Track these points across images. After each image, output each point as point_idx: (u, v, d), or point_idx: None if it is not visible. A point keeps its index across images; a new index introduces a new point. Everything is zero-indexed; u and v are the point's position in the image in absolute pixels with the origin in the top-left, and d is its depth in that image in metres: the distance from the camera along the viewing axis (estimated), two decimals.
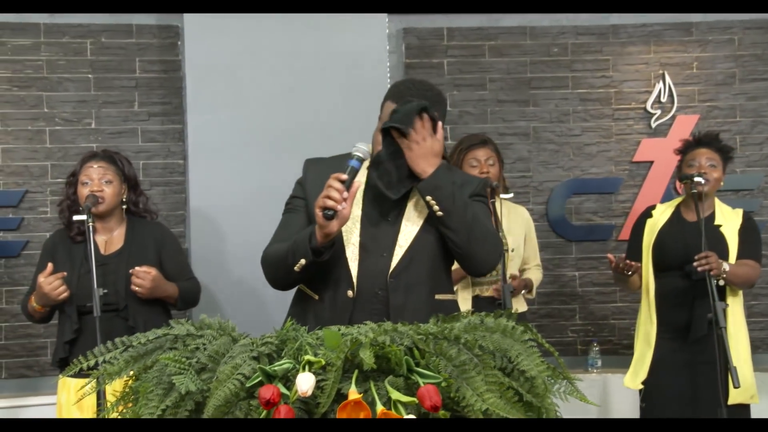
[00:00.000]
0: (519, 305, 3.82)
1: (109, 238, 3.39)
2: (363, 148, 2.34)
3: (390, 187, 2.37)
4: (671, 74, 4.84)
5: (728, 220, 3.58)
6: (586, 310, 4.80)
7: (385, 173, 2.37)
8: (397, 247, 2.40)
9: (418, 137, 2.34)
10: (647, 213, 3.76)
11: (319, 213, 2.23)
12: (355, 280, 2.37)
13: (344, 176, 2.26)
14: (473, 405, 1.60)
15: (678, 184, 3.77)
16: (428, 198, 2.34)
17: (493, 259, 2.43)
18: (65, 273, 3.20)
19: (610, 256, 3.65)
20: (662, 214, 3.70)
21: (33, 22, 4.50)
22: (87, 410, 3.18)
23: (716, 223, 3.61)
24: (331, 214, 2.22)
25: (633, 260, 3.60)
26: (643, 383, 3.57)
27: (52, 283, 3.14)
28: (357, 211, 2.41)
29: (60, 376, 1.95)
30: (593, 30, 4.85)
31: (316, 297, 2.43)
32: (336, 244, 2.35)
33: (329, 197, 2.22)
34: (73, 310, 3.25)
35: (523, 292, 3.85)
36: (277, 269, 2.42)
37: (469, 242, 2.36)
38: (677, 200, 3.77)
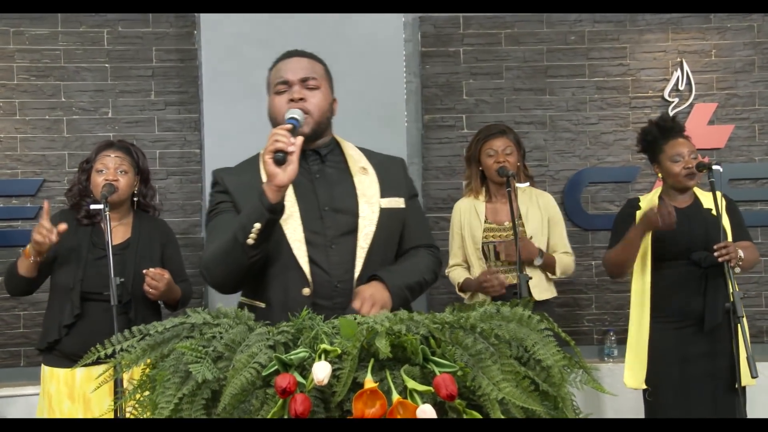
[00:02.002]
0: (542, 293, 3.76)
1: (116, 229, 3.34)
2: (296, 110, 2.31)
3: None
4: (689, 62, 4.80)
5: (712, 204, 3.53)
6: (602, 299, 4.79)
7: None
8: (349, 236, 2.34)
9: (367, 308, 2.23)
10: (635, 205, 3.68)
11: (269, 159, 2.14)
12: (309, 276, 2.29)
13: (283, 126, 2.20)
14: (489, 394, 1.60)
15: (656, 169, 3.69)
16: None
17: (432, 284, 2.57)
18: (66, 227, 3.17)
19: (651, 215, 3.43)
20: (648, 204, 3.63)
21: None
22: (79, 401, 3.19)
23: (706, 207, 3.58)
24: (282, 156, 2.13)
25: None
26: (646, 382, 3.53)
27: (50, 228, 3.10)
28: (293, 207, 2.32)
29: (78, 364, 1.94)
30: (610, 18, 4.81)
31: (263, 305, 2.32)
32: (277, 245, 2.28)
33: (278, 140, 2.14)
34: (78, 295, 3.24)
35: (539, 263, 3.73)
36: (225, 259, 2.26)
37: (420, 293, 2.52)
38: (657, 190, 3.72)
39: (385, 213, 2.39)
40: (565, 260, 3.87)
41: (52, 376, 3.28)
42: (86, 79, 4.57)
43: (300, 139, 2.19)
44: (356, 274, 2.32)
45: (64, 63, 4.55)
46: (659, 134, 3.66)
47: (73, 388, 3.24)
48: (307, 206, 2.35)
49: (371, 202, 2.38)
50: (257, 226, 2.18)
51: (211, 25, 4.45)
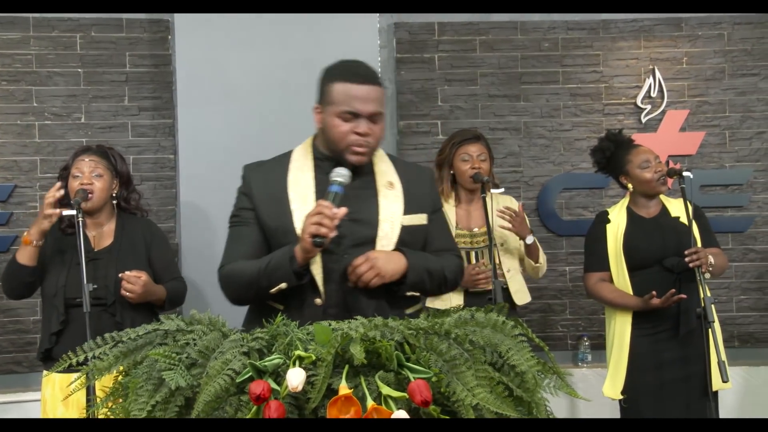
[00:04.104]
0: (522, 297, 3.80)
1: (99, 233, 3.37)
2: (344, 173, 2.28)
3: None
4: (661, 69, 4.85)
5: (680, 211, 3.56)
6: (576, 304, 4.82)
7: None
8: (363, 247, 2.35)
9: (364, 267, 2.28)
10: (604, 219, 3.69)
11: (308, 239, 2.18)
12: (321, 287, 2.32)
13: (330, 204, 2.21)
14: (463, 400, 1.61)
15: (623, 180, 3.71)
16: (412, 293, 2.40)
17: (452, 288, 2.62)
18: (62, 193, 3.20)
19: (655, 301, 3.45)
20: (618, 216, 3.65)
21: (22, 15, 4.48)
22: (73, 406, 3.17)
23: (674, 215, 3.62)
24: (321, 241, 2.18)
25: (600, 267, 3.65)
26: (622, 392, 3.54)
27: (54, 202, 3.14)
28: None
29: (46, 372, 1.93)
30: (584, 25, 4.86)
31: (282, 307, 2.32)
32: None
33: (322, 224, 2.17)
34: (61, 301, 3.24)
35: (531, 240, 3.76)
36: (246, 290, 2.35)
37: (439, 291, 2.58)
38: (624, 201, 3.75)
39: (405, 230, 2.40)
40: (543, 257, 3.91)
41: (48, 381, 3.27)
42: (59, 84, 4.53)
43: (342, 211, 2.23)
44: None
45: (36, 67, 4.51)
46: (617, 147, 3.70)
47: (68, 393, 3.21)
48: None
49: (393, 220, 2.39)
50: (282, 285, 2.28)
51: (186, 31, 4.42)
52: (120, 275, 3.19)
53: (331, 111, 2.35)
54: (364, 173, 2.43)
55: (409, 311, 2.42)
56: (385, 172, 2.47)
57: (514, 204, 3.97)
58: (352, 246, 2.35)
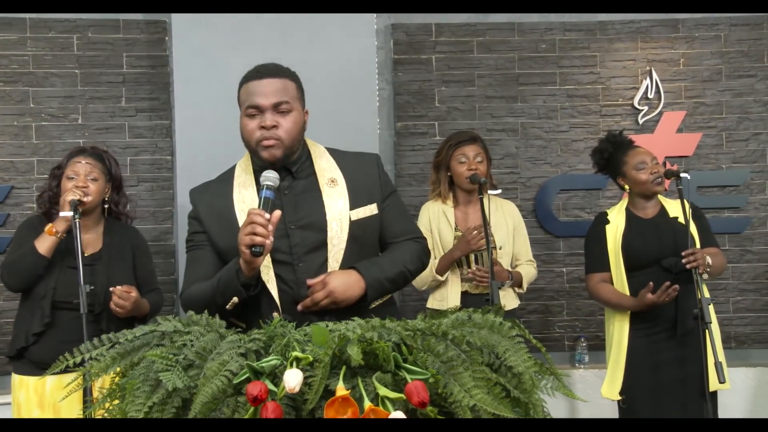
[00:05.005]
0: (509, 302, 3.80)
1: (87, 238, 3.32)
2: (272, 176, 2.25)
3: None
4: (658, 71, 4.86)
5: (679, 212, 3.57)
6: (573, 305, 4.82)
7: None
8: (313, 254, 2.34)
9: (320, 296, 2.28)
10: (603, 220, 3.71)
11: (246, 251, 2.16)
12: (277, 299, 2.31)
13: (261, 211, 2.18)
14: (461, 401, 1.60)
15: (621, 181, 3.72)
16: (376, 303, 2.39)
17: (419, 273, 2.58)
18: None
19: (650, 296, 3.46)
20: (617, 217, 3.67)
21: (19, 16, 4.48)
22: (49, 409, 3.16)
23: (672, 216, 3.63)
24: (259, 251, 2.16)
25: (600, 268, 3.66)
26: (621, 393, 3.54)
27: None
28: None
29: (47, 372, 1.93)
30: (581, 26, 4.86)
31: (243, 325, 2.27)
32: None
33: (256, 234, 2.14)
34: (48, 303, 3.21)
35: (509, 284, 3.79)
36: (207, 310, 2.23)
37: (405, 286, 2.59)
38: (623, 202, 3.76)
39: (355, 225, 2.38)
40: (530, 272, 3.92)
41: (22, 384, 3.24)
42: (55, 85, 4.53)
43: (276, 215, 2.20)
44: None
45: (32, 68, 4.51)
46: (615, 149, 3.71)
47: (43, 397, 3.20)
48: None
49: (340, 218, 2.36)
50: (235, 299, 2.26)
51: (183, 31, 4.42)
52: (111, 289, 3.17)
53: (241, 114, 2.39)
54: (305, 175, 2.43)
55: (374, 306, 2.40)
56: (326, 170, 2.44)
57: (512, 207, 3.97)
58: (305, 253, 2.34)
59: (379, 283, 2.35)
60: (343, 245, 2.35)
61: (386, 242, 2.50)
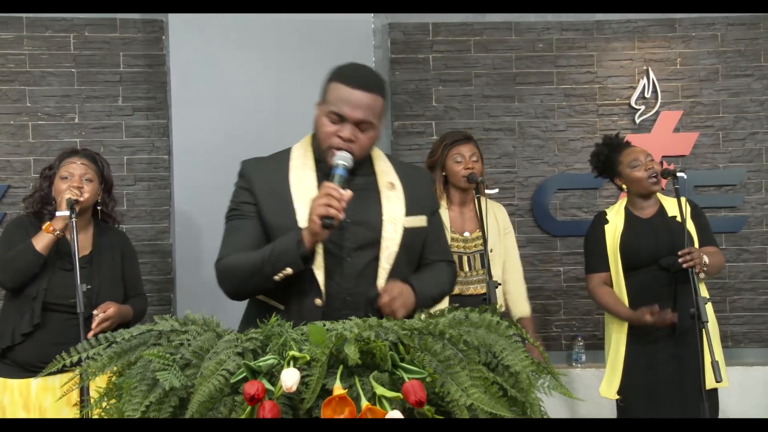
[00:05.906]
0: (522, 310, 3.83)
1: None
2: (346, 155, 2.26)
3: None
4: (655, 70, 4.86)
5: (677, 211, 3.57)
6: (570, 305, 4.82)
7: None
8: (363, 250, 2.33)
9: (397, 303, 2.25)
10: (603, 219, 3.72)
11: (317, 221, 2.14)
12: (322, 287, 2.29)
13: (336, 185, 2.18)
14: (458, 400, 1.61)
15: (618, 182, 3.74)
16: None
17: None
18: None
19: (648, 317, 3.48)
20: (616, 217, 3.68)
21: (16, 15, 4.47)
22: (35, 412, 3.14)
23: (671, 215, 3.64)
24: (330, 223, 2.14)
25: (600, 268, 3.68)
26: (618, 392, 3.56)
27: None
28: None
29: (42, 373, 1.92)
30: (578, 26, 4.87)
31: (282, 307, 2.29)
32: None
33: (330, 205, 2.14)
34: (39, 304, 3.18)
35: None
36: (248, 280, 2.29)
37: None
38: (623, 201, 3.77)
39: (408, 232, 2.38)
40: (524, 307, 3.90)
41: (6, 386, 3.21)
42: (52, 84, 4.52)
43: (349, 194, 2.19)
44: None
45: (29, 67, 4.50)
46: (610, 150, 3.74)
47: (29, 399, 3.18)
48: None
49: (395, 222, 2.36)
50: (288, 270, 2.21)
51: (180, 31, 4.42)
52: (93, 312, 3.16)
53: (323, 109, 2.35)
54: (364, 173, 2.41)
55: None
56: (385, 172, 2.45)
57: (503, 211, 3.95)
58: (356, 249, 2.33)
59: (424, 301, 2.35)
60: (396, 248, 2.34)
61: (423, 259, 2.49)
